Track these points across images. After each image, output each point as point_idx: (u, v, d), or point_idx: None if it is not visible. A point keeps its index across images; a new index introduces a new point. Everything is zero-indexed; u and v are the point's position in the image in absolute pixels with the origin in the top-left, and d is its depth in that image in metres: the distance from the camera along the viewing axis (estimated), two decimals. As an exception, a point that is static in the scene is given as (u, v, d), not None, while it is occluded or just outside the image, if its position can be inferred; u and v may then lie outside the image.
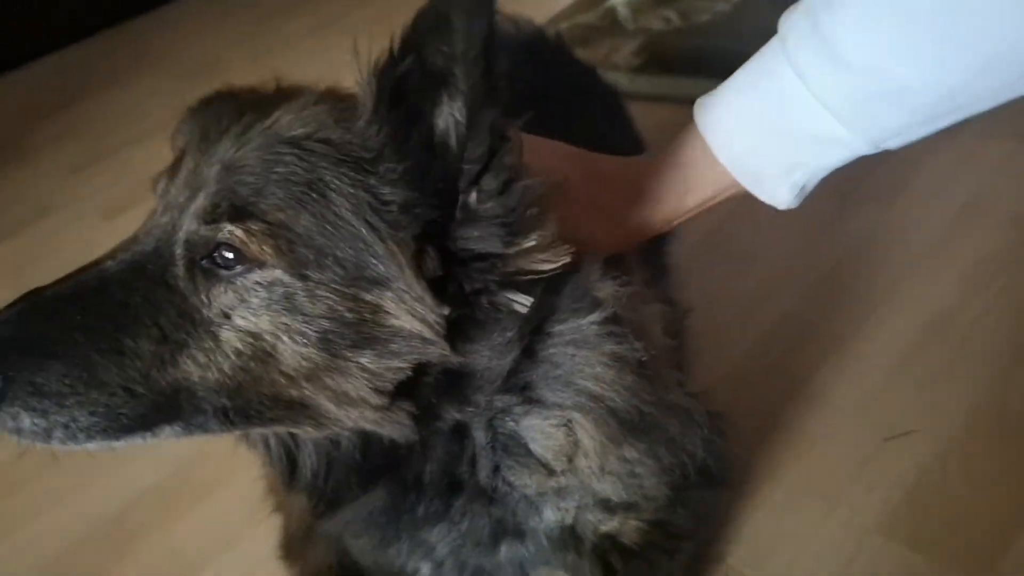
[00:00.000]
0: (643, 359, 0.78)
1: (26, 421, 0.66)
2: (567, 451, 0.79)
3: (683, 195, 0.90)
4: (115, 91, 2.98)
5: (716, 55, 1.72)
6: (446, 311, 0.69)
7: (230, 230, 0.66)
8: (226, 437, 1.39)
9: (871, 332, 1.32)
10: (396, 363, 0.70)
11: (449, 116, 0.67)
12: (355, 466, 0.79)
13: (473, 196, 0.68)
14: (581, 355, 0.76)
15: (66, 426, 0.67)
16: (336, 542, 1.03)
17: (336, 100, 0.74)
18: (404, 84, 0.68)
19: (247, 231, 0.66)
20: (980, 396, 1.18)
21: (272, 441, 0.81)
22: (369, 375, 0.70)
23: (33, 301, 0.69)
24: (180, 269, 0.70)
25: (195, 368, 0.69)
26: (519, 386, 0.77)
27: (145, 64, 3.11)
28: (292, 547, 1.08)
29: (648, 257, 1.08)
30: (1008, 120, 1.68)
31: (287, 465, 0.82)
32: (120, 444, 0.70)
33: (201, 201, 0.69)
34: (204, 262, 0.69)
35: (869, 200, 1.60)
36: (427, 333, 0.69)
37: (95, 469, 1.43)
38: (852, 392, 1.23)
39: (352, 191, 0.67)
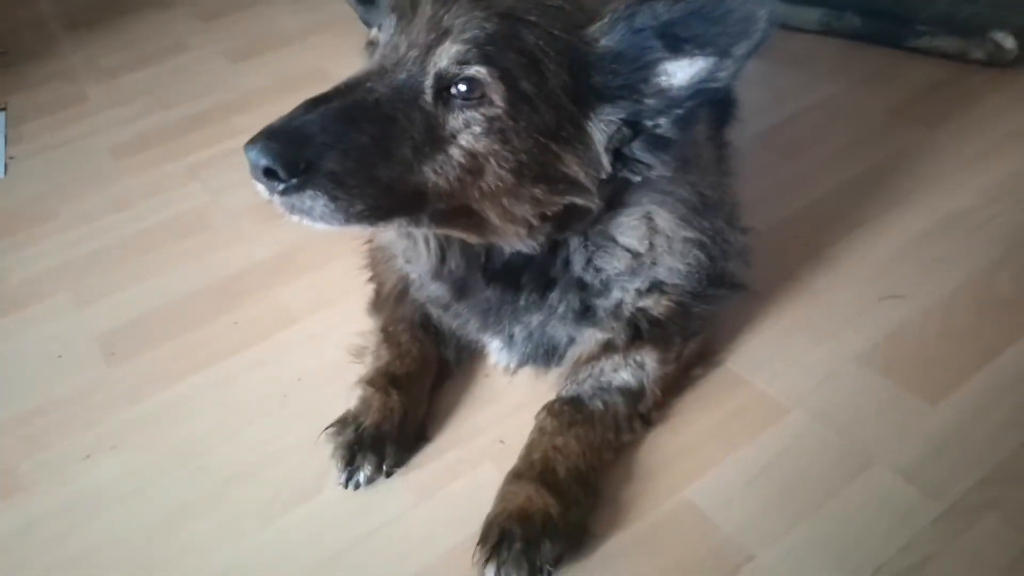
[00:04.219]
0: (700, 155, 1.06)
1: (319, 203, 0.84)
2: (648, 235, 1.06)
3: None
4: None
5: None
6: (605, 174, 0.96)
7: (477, 69, 0.87)
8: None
9: (889, 220, 1.50)
10: (557, 198, 0.97)
11: (685, 74, 0.90)
12: (481, 267, 1.07)
13: (655, 122, 0.94)
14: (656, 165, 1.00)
15: (345, 211, 0.85)
16: (421, 306, 1.29)
17: None
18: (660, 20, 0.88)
19: (491, 73, 0.87)
20: (972, 276, 1.37)
21: (432, 242, 1.07)
22: (535, 203, 0.96)
23: (329, 107, 0.85)
24: (429, 96, 0.89)
25: (431, 175, 0.90)
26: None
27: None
28: (381, 305, 1.35)
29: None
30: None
31: (438, 259, 1.08)
32: (365, 228, 0.92)
33: (453, 46, 0.88)
34: (444, 93, 0.89)
35: (918, 120, 1.77)
36: (587, 183, 0.97)
37: (214, 241, 1.73)
38: (861, 262, 1.43)
39: (567, 78, 0.91)
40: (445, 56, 0.89)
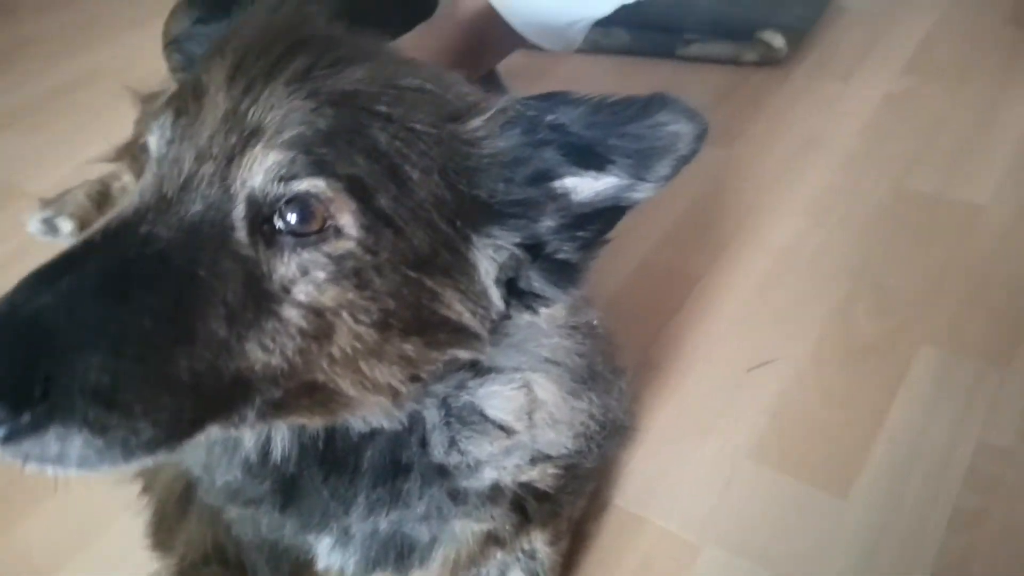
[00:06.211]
0: (595, 323, 0.83)
1: (76, 443, 0.51)
2: (527, 409, 0.80)
3: (478, 56, 1.15)
4: None
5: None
6: (497, 313, 0.71)
7: (313, 183, 0.59)
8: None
9: (725, 268, 1.37)
10: (435, 353, 0.69)
11: (589, 190, 0.69)
12: (318, 455, 0.76)
13: (555, 246, 0.71)
14: (537, 326, 0.77)
15: (124, 442, 0.53)
16: (214, 517, 0.96)
17: (410, 68, 0.70)
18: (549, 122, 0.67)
19: (331, 187, 0.59)
20: (828, 319, 1.26)
21: (249, 433, 0.75)
22: (406, 363, 0.68)
23: (81, 276, 0.54)
24: (242, 234, 0.60)
25: (260, 354, 0.60)
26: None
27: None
28: (164, 530, 1.00)
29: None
30: (836, 62, 1.80)
31: (260, 452, 0.77)
32: (160, 458, 0.57)
33: (270, 153, 0.59)
34: (266, 225, 0.60)
35: (714, 140, 1.65)
36: (475, 327, 0.69)
37: None
38: (713, 327, 1.28)
39: (440, 189, 0.65)
40: (259, 169, 0.59)
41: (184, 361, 0.56)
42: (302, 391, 0.65)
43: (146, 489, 1.04)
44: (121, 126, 1.81)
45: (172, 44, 0.85)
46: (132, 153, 1.59)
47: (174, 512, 0.99)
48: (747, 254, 1.39)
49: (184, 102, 0.64)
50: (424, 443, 0.80)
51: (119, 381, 0.52)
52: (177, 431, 0.57)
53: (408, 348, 0.67)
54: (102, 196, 1.67)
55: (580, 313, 0.84)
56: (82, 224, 1.63)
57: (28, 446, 0.50)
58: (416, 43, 1.10)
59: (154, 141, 0.64)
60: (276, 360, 0.61)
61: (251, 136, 0.60)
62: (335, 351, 0.64)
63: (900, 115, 1.65)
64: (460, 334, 0.70)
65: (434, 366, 0.71)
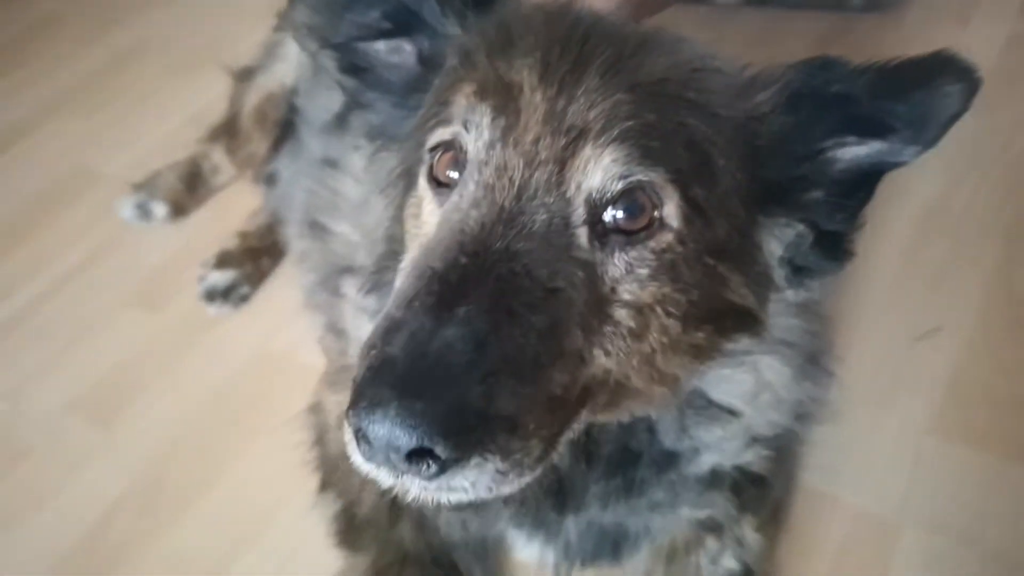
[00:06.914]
0: (818, 300, 0.80)
1: (488, 471, 0.51)
2: (754, 391, 0.78)
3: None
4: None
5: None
6: (776, 294, 0.69)
7: (647, 176, 0.58)
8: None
9: (872, 233, 1.31)
10: (721, 340, 0.68)
11: (851, 155, 0.66)
12: (584, 452, 0.76)
13: (827, 218, 0.68)
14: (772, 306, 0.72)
15: (520, 467, 0.54)
16: (424, 520, 0.94)
17: (696, 46, 0.69)
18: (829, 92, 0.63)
19: (663, 178, 0.59)
20: (989, 281, 1.22)
21: None
22: (697, 352, 0.67)
23: (472, 303, 0.53)
24: (583, 239, 0.59)
25: (604, 359, 0.60)
26: None
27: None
28: (353, 529, 0.97)
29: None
30: (950, 4, 1.71)
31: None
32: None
33: (605, 153, 0.58)
34: (599, 225, 0.60)
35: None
36: (759, 311, 0.68)
37: (54, 480, 1.22)
38: (868, 296, 1.23)
39: (739, 174, 0.64)
40: (595, 168, 0.59)
41: (558, 376, 0.56)
42: (606, 391, 0.63)
43: (327, 486, 1.01)
44: (178, 101, 1.76)
45: (328, 46, 0.79)
46: (229, 133, 1.53)
47: (378, 517, 0.96)
48: (892, 217, 1.34)
49: (499, 100, 0.61)
50: (652, 430, 0.78)
51: (521, 404, 0.52)
52: (552, 446, 0.57)
53: (700, 336, 0.66)
54: (193, 177, 1.60)
55: (811, 291, 0.80)
56: (176, 207, 1.57)
57: (448, 479, 0.50)
58: None
59: (472, 142, 0.61)
60: (612, 363, 0.60)
61: (578, 137, 0.59)
62: (644, 347, 0.62)
63: (1027, 59, 1.58)
64: (745, 319, 0.68)
65: (719, 353, 0.69)
